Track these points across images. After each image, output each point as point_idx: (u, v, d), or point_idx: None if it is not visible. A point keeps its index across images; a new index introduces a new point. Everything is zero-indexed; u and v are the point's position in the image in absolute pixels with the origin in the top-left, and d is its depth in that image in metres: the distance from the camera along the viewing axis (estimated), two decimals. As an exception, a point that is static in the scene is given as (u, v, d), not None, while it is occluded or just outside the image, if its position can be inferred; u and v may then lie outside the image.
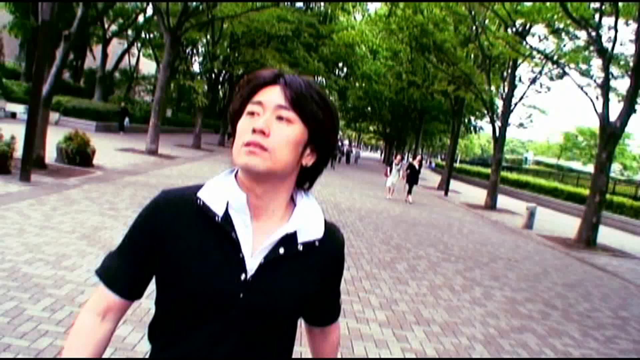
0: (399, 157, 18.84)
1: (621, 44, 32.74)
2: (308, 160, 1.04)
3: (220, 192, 1.01)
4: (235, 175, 1.04)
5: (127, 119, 24.96)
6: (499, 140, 20.48)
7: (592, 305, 7.01)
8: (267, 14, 21.54)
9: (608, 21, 13.96)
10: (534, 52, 17.20)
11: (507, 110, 20.52)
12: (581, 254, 11.70)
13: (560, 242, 13.07)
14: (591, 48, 14.66)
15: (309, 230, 1.05)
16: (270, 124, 0.96)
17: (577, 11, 13.03)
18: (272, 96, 0.98)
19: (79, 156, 10.83)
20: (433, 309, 5.39)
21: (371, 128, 56.98)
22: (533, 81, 21.72)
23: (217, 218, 0.99)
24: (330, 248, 1.10)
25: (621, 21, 13.82)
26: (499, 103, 21.57)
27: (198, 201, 1.01)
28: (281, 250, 1.01)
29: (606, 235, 15.40)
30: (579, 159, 64.44)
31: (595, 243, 13.05)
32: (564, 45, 18.26)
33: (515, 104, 20.97)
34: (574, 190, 26.13)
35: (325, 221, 1.09)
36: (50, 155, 10.52)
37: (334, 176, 21.79)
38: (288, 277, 1.02)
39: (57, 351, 3.07)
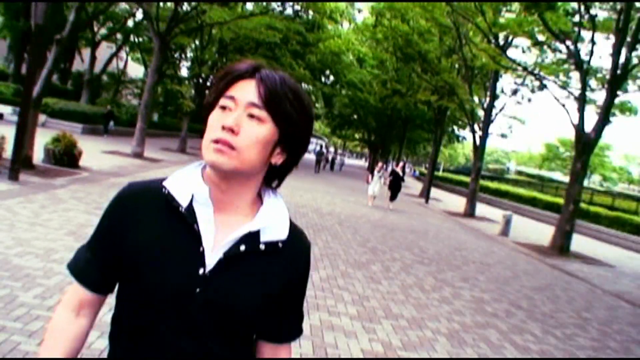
0: (380, 164, 19.22)
1: (600, 57, 33.80)
2: (277, 160, 1.03)
3: (185, 183, 1.01)
4: (204, 168, 1.04)
5: (111, 122, 25.02)
6: (479, 149, 21.00)
7: (557, 306, 7.40)
8: (256, 21, 21.84)
9: (588, 35, 14.45)
10: (515, 65, 17.74)
11: (488, 120, 21.06)
12: (553, 260, 12.12)
13: (534, 248, 13.50)
14: (570, 61, 15.16)
15: (273, 230, 1.02)
16: (241, 122, 0.94)
17: (556, 25, 13.52)
18: (246, 92, 0.96)
19: (66, 157, 11.00)
20: (402, 305, 5.72)
21: (356, 135, 57.41)
22: (514, 92, 22.33)
23: (180, 209, 0.98)
24: (294, 252, 1.07)
25: (602, 35, 14.37)
26: (481, 113, 22.08)
27: (163, 190, 1.01)
28: (242, 248, 0.99)
29: (581, 243, 15.90)
30: (561, 169, 65.43)
31: (569, 250, 13.48)
32: (546, 58, 18.81)
33: (496, 115, 21.54)
34: (552, 200, 26.76)
35: (291, 224, 1.07)
36: (37, 156, 10.70)
37: (317, 182, 22.12)
38: (247, 276, 1.00)
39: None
